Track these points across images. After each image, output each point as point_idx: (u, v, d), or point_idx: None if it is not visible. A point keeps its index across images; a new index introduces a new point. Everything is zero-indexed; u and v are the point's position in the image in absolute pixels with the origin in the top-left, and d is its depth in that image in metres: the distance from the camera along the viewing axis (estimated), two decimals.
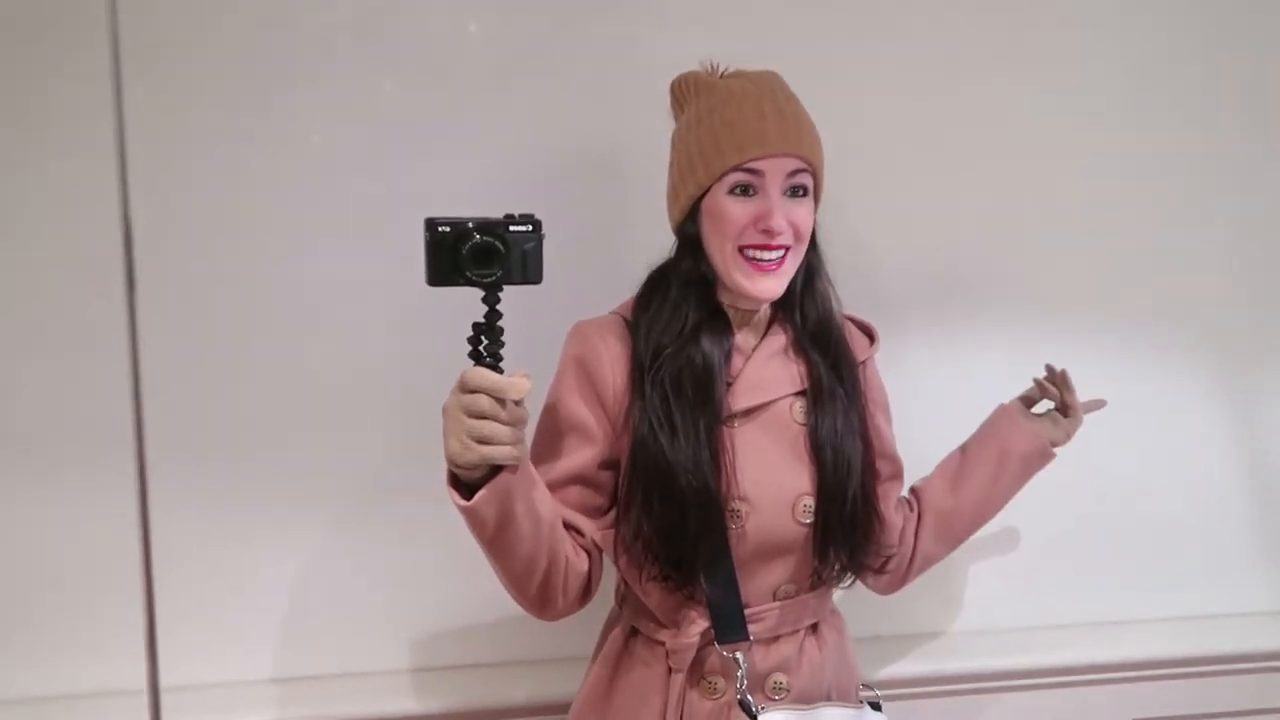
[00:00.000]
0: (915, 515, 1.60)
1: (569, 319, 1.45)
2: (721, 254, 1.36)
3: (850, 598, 1.57)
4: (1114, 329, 1.98)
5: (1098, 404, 1.69)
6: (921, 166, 1.87)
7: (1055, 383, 1.65)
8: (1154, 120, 1.95)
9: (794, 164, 1.34)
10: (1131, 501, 2.02)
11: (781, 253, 1.34)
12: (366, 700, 1.74)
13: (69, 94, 1.59)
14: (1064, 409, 1.65)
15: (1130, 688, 1.96)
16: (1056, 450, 1.64)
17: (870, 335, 1.56)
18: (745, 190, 1.34)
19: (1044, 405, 1.67)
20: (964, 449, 1.65)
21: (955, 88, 1.87)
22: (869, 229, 1.84)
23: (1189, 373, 2.03)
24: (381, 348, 1.74)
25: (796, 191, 1.35)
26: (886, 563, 1.54)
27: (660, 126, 1.47)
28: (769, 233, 1.32)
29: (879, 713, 1.48)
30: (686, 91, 1.42)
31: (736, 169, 1.32)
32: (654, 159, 1.47)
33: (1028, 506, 1.68)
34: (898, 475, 1.58)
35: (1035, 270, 1.94)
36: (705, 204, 1.36)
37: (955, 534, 1.63)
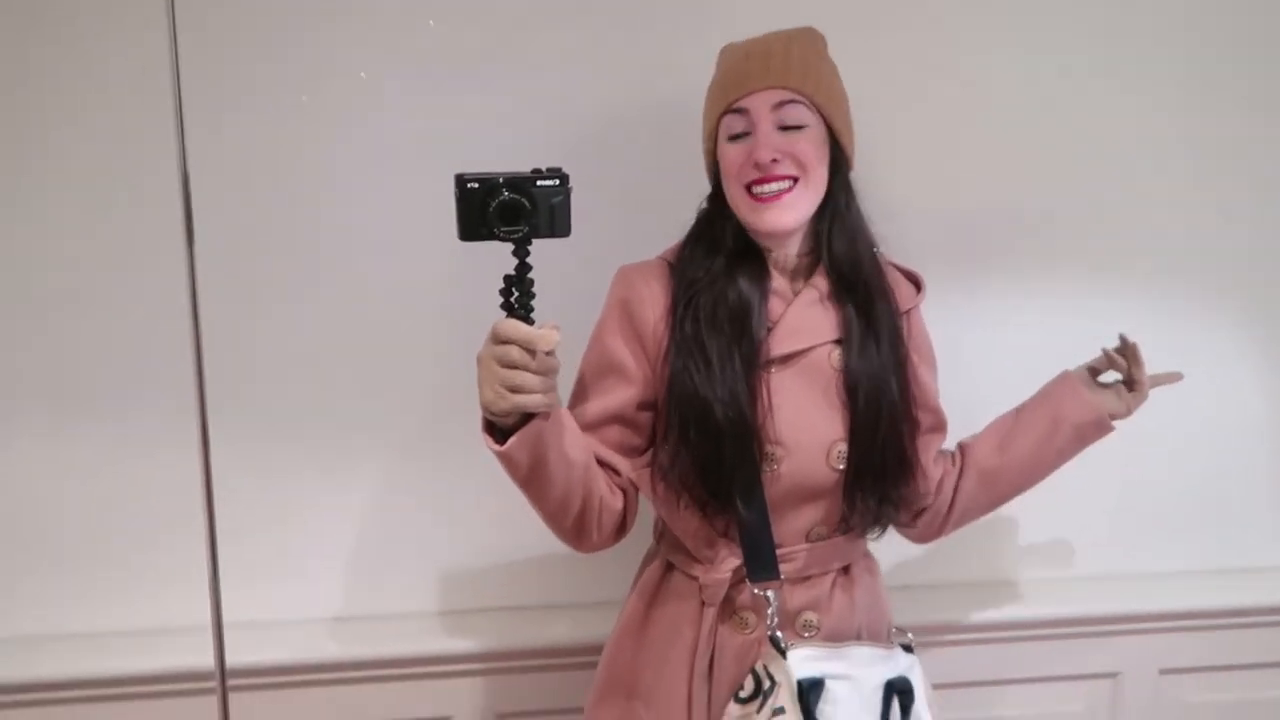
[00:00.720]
0: (958, 470, 1.59)
1: (603, 269, 1.49)
2: (731, 196, 1.40)
3: (884, 546, 1.59)
4: (1157, 280, 1.96)
5: (1172, 377, 1.61)
6: (961, 118, 1.87)
7: (1125, 355, 1.58)
8: (1199, 72, 1.93)
9: (779, 95, 1.36)
10: (1167, 455, 2.01)
11: (786, 184, 1.36)
12: (410, 640, 1.82)
13: (127, 53, 1.64)
14: (1130, 383, 1.58)
15: (1162, 638, 1.98)
16: (1116, 424, 1.59)
17: (916, 284, 1.56)
18: (742, 136, 1.38)
19: (1111, 375, 1.62)
20: (1019, 411, 1.61)
21: (997, 37, 1.86)
22: (907, 181, 1.84)
23: (1231, 324, 2.01)
24: (432, 292, 1.78)
25: (791, 126, 1.37)
26: (920, 514, 1.57)
27: (695, 79, 1.49)
28: (759, 165, 1.35)
29: (911, 654, 1.50)
30: (719, 58, 1.47)
31: (726, 113, 1.38)
32: (687, 112, 1.50)
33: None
34: (939, 428, 1.58)
35: (1077, 223, 1.93)
36: (718, 156, 1.41)
37: (997, 494, 1.61)
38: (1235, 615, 1.99)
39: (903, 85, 1.83)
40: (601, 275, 1.49)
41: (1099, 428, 1.58)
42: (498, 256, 1.18)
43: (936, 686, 1.71)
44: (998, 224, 1.91)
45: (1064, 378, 1.62)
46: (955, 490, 1.59)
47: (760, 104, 1.36)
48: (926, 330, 1.57)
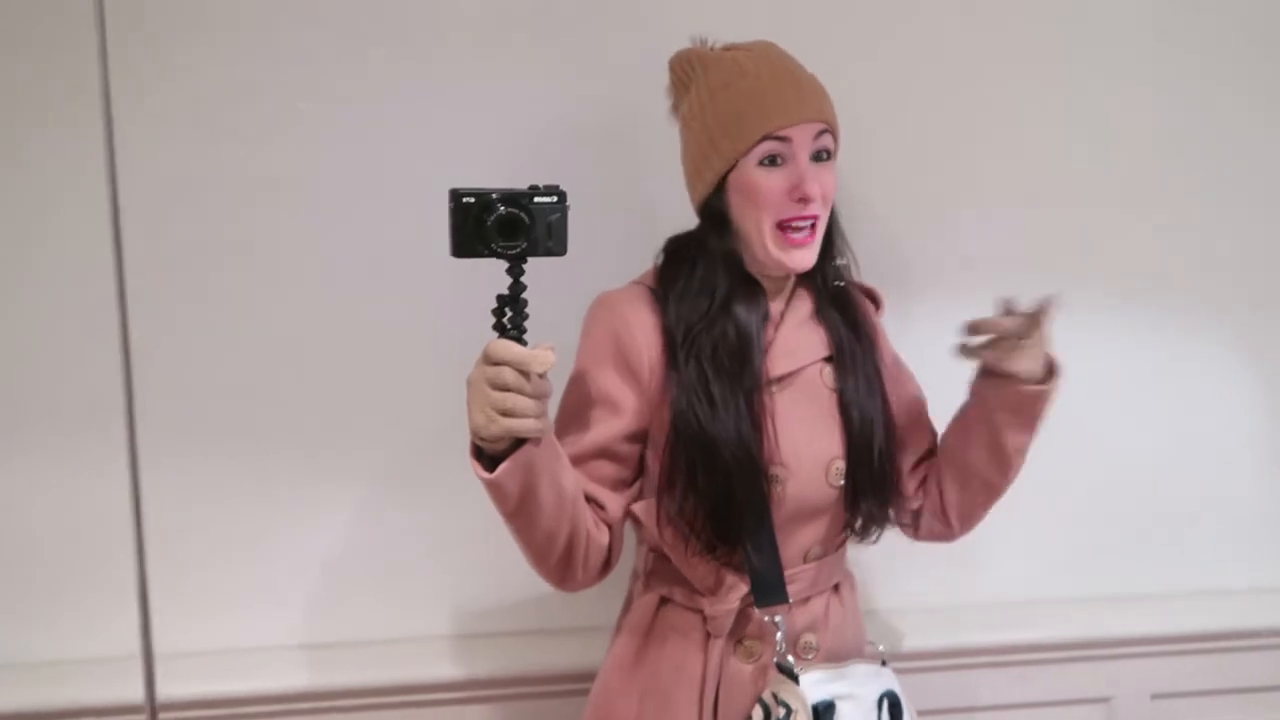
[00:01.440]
0: (936, 464, 1.57)
1: (594, 290, 1.45)
2: (758, 228, 1.35)
3: (875, 572, 1.57)
4: (1131, 301, 1.95)
5: (1045, 304, 1.37)
6: (927, 135, 1.85)
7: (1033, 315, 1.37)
8: (1174, 89, 1.92)
9: (818, 127, 1.34)
10: (1151, 475, 2.00)
11: (813, 222, 1.36)
12: (387, 666, 1.76)
13: (56, 68, 1.60)
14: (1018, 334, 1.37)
15: (1151, 663, 1.96)
16: (1041, 386, 1.41)
17: (875, 301, 1.57)
18: (774, 160, 1.33)
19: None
20: (958, 417, 1.52)
21: (962, 55, 1.85)
22: (876, 198, 1.82)
23: (1210, 346, 2.01)
24: (408, 309, 1.74)
25: (821, 155, 1.36)
26: (918, 515, 1.56)
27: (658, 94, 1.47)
28: (804, 200, 1.33)
29: (887, 668, 1.49)
30: (689, 69, 1.41)
31: (766, 139, 1.32)
32: (671, 128, 1.47)
33: (1045, 479, 1.66)
34: (921, 418, 1.56)
35: (1045, 241, 1.91)
36: (733, 179, 1.36)
37: (979, 486, 1.52)
38: (1229, 638, 1.97)
39: (891, 101, 1.82)
40: (590, 296, 1.45)
41: (1029, 402, 1.41)
42: (479, 273, 1.15)
43: (926, 713, 1.69)
44: (960, 237, 1.89)
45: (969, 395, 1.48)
46: (940, 485, 1.55)
47: (804, 134, 1.33)
48: (888, 339, 1.57)
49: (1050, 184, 1.91)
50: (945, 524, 1.57)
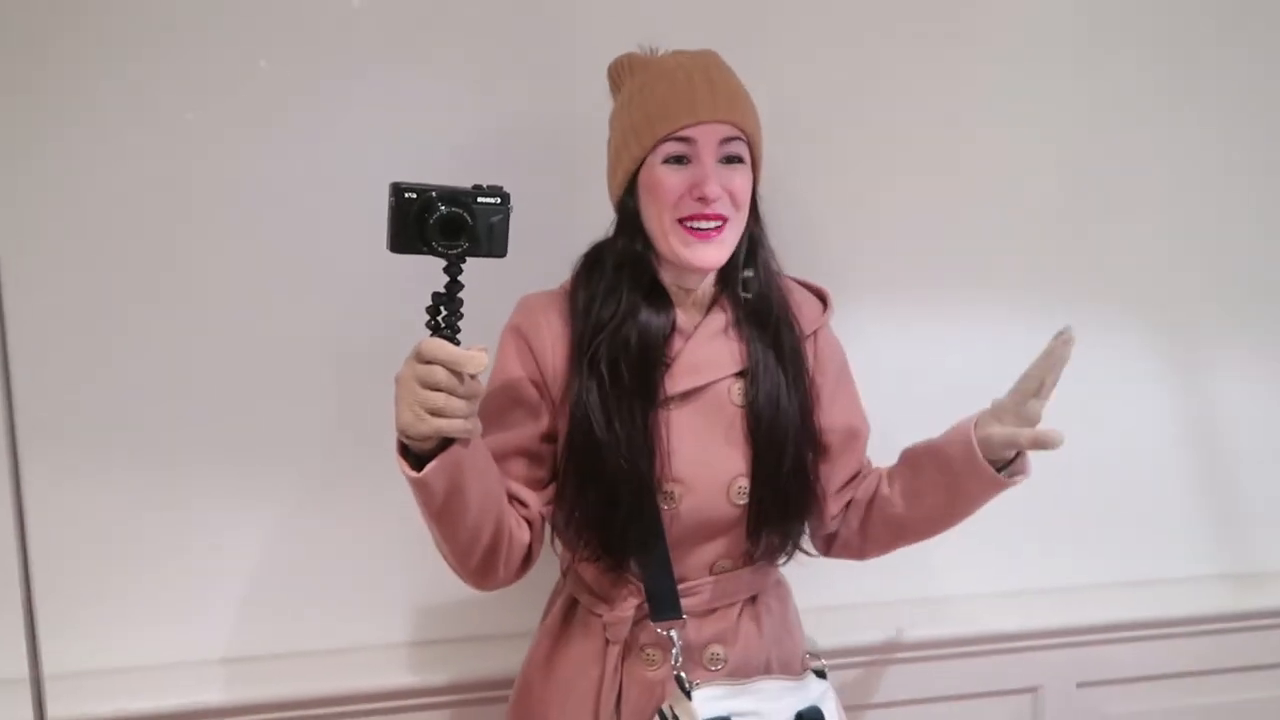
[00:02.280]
0: (864, 506, 1.51)
1: (525, 290, 1.44)
2: (660, 224, 1.34)
3: (794, 566, 1.56)
4: (1064, 303, 1.98)
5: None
6: (874, 143, 1.86)
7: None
8: (1103, 104, 1.97)
9: (726, 130, 1.33)
10: (1073, 471, 2.03)
11: (719, 222, 1.33)
12: (310, 679, 1.71)
13: None
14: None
15: (1078, 652, 2.00)
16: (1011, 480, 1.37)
17: (823, 300, 1.52)
18: (680, 160, 1.33)
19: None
20: (916, 466, 1.46)
21: (905, 64, 1.87)
22: (821, 205, 1.83)
23: (1137, 344, 2.06)
24: (315, 317, 1.70)
25: (731, 159, 1.34)
26: (832, 540, 1.54)
27: (606, 101, 1.46)
28: (704, 200, 1.31)
29: (824, 680, 1.47)
30: (622, 72, 1.41)
31: (668, 138, 1.31)
32: (603, 133, 1.45)
33: None
34: (854, 444, 1.51)
35: (988, 247, 1.95)
36: (641, 177, 1.35)
37: (911, 538, 1.52)
38: (1152, 626, 2.02)
39: (830, 107, 1.82)
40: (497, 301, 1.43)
41: (997, 485, 1.38)
42: (411, 268, 1.13)
43: (855, 708, 1.70)
44: (918, 245, 1.91)
45: (964, 440, 1.37)
46: (863, 524, 1.52)
47: (709, 135, 1.32)
48: (837, 343, 1.54)
49: (993, 191, 1.93)
50: (858, 553, 1.56)
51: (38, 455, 1.59)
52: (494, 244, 1.13)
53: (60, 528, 1.62)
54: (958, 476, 1.39)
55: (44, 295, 1.59)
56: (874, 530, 1.52)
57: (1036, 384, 1.32)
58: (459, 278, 1.13)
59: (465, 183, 1.13)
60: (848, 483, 1.53)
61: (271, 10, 1.61)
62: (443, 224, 1.09)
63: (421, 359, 1.10)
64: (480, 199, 1.11)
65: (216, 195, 1.63)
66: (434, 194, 1.09)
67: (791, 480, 1.40)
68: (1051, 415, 1.88)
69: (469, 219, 1.09)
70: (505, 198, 1.12)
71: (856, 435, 1.53)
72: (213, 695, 1.66)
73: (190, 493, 1.69)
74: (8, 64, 1.53)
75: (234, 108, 1.62)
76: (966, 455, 1.36)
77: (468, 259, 1.12)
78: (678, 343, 1.39)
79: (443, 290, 1.13)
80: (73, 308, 1.61)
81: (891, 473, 1.51)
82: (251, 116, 1.62)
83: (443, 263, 1.12)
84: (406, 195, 1.08)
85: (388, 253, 1.11)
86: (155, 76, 1.58)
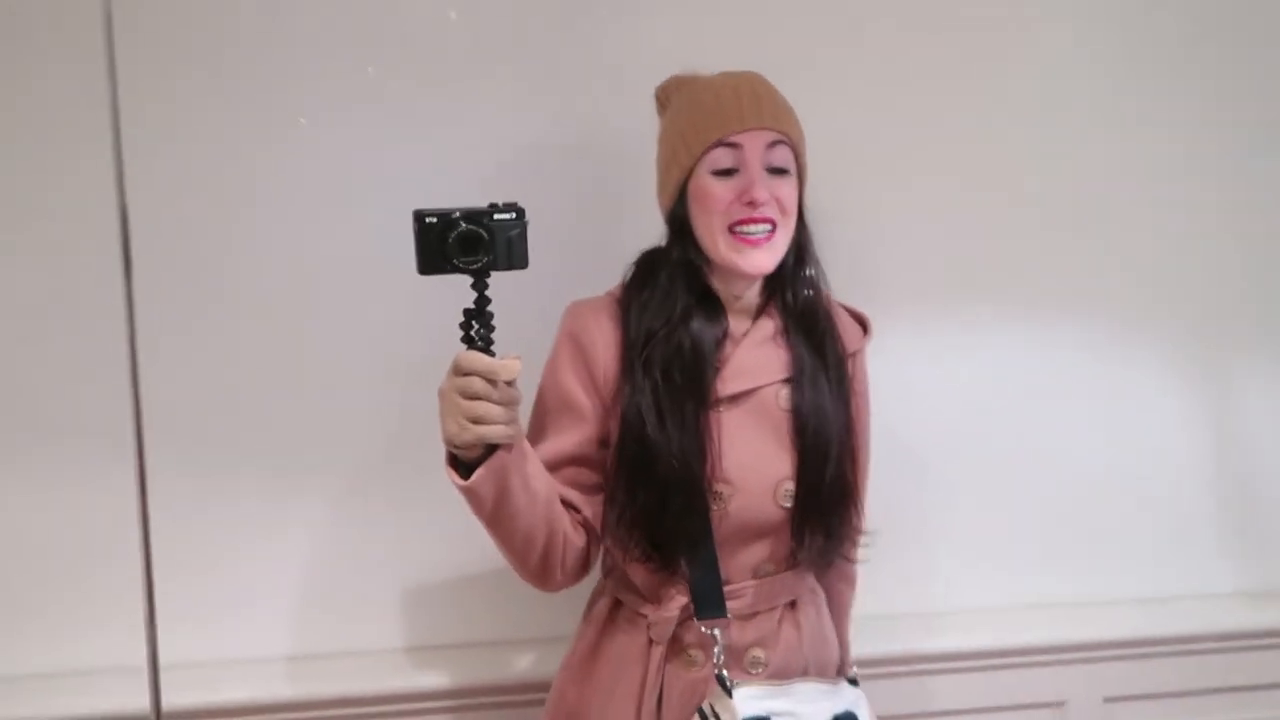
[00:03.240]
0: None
1: (560, 302, 1.49)
2: (710, 233, 1.39)
3: None
4: (1085, 317, 2.00)
5: None
6: (908, 157, 1.90)
7: None
8: (1137, 114, 1.99)
9: (771, 136, 1.38)
10: (1100, 484, 2.04)
11: (769, 227, 1.38)
12: (364, 678, 1.77)
13: (65, 80, 1.63)
14: None
15: (1106, 666, 1.99)
16: None
17: (864, 325, 1.58)
18: (728, 173, 1.38)
19: None
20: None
21: (944, 79, 1.91)
22: (855, 219, 1.86)
23: (1157, 358, 2.06)
24: (377, 327, 1.76)
25: (777, 170, 1.39)
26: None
27: (646, 112, 1.51)
28: (753, 204, 1.36)
29: (856, 688, 1.50)
30: (669, 91, 1.48)
31: (716, 145, 1.37)
32: (641, 143, 1.51)
33: (998, 490, 1.68)
34: (865, 471, 1.59)
35: (1013, 260, 1.97)
36: (691, 187, 1.40)
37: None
38: (1182, 642, 2.01)
39: (857, 124, 1.86)
40: (556, 308, 1.49)
41: None
42: (453, 287, 1.19)
43: (884, 719, 1.70)
44: (944, 261, 1.94)
45: None
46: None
47: (755, 142, 1.37)
48: (868, 373, 1.59)
49: (1000, 203, 1.96)
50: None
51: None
52: (514, 257, 1.19)
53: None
54: None
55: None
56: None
57: None
58: (486, 292, 1.19)
59: (515, 197, 1.20)
60: None
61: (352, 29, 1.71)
62: (462, 242, 1.16)
63: (459, 371, 1.18)
64: (496, 215, 1.17)
65: (272, 204, 1.72)
66: (453, 216, 1.16)
67: (835, 486, 1.44)
68: (1077, 426, 1.89)
69: (486, 235, 1.16)
70: (520, 212, 1.19)
71: (864, 468, 1.59)
72: (268, 690, 1.73)
73: (240, 493, 1.76)
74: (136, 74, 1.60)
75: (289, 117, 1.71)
76: None
77: (491, 273, 1.19)
78: (728, 347, 1.43)
79: (472, 305, 1.20)
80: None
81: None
82: (307, 129, 1.72)
83: (470, 280, 1.19)
84: (427, 220, 1.16)
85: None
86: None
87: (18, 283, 1.67)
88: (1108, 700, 2.01)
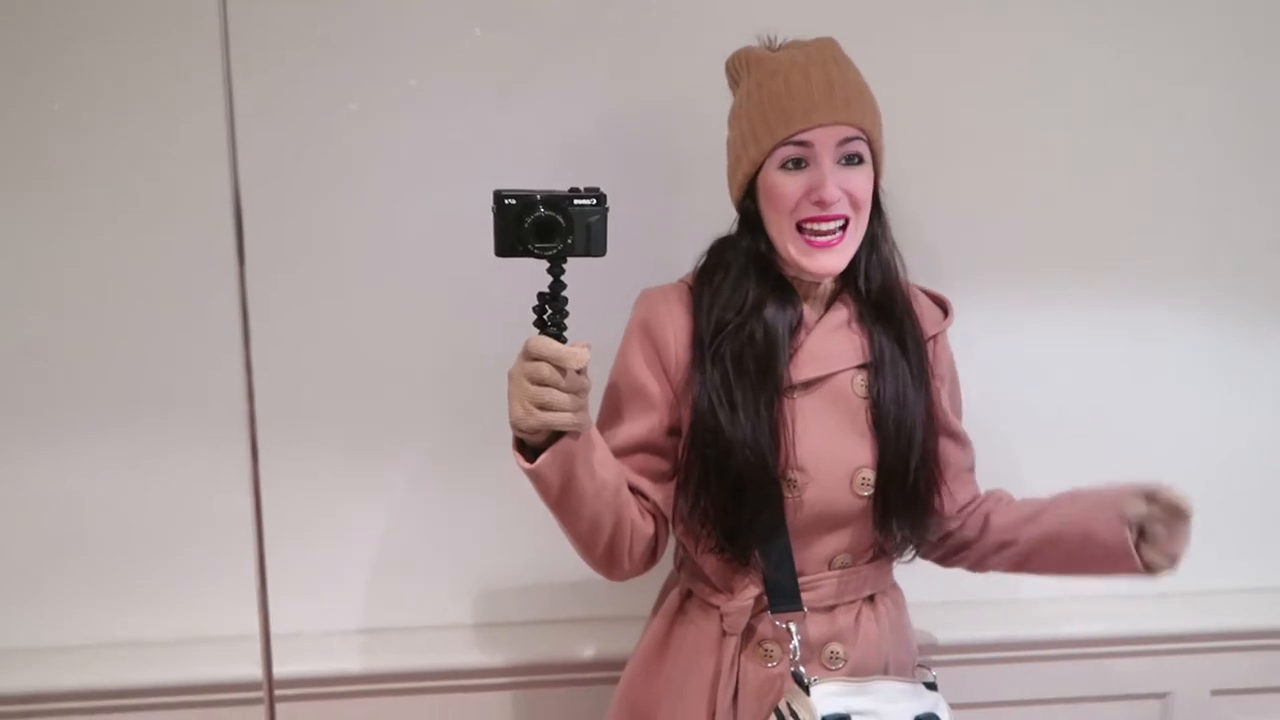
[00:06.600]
0: (979, 528, 1.52)
1: (631, 291, 1.48)
2: (779, 230, 1.36)
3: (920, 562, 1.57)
4: (1171, 298, 1.94)
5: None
6: (977, 137, 1.85)
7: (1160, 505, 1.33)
8: (1205, 95, 1.89)
9: (845, 132, 1.33)
10: (1208, 472, 1.97)
11: (840, 224, 1.34)
12: (439, 652, 1.81)
13: (178, 64, 1.66)
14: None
15: (1214, 658, 1.94)
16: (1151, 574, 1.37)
17: (944, 308, 1.54)
18: (797, 164, 1.34)
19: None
20: (1054, 538, 1.44)
21: (1016, 58, 1.84)
22: (922, 200, 1.79)
23: (1250, 340, 1.98)
24: (474, 303, 1.77)
25: (851, 159, 1.34)
26: (946, 540, 1.53)
27: (713, 95, 1.48)
28: (822, 203, 1.32)
29: (935, 692, 1.44)
30: (740, 68, 1.42)
31: (785, 143, 1.32)
32: (711, 130, 1.48)
33: (1099, 475, 1.63)
34: (963, 450, 1.54)
35: (1111, 241, 1.91)
36: (760, 180, 1.37)
37: (1030, 568, 1.51)
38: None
39: (937, 98, 1.81)
40: (626, 297, 1.48)
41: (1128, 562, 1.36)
42: (537, 271, 1.18)
43: (977, 706, 1.68)
44: (1033, 239, 1.89)
45: (1109, 504, 1.38)
46: (976, 541, 1.52)
47: (826, 138, 1.32)
48: (952, 355, 1.55)
49: (1070, 184, 1.89)
50: (975, 564, 1.55)
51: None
52: (592, 244, 1.17)
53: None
54: (1098, 561, 1.40)
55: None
56: (991, 559, 1.52)
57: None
58: (561, 278, 1.18)
59: (598, 180, 1.18)
60: (961, 487, 1.53)
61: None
62: (539, 226, 1.14)
63: (528, 356, 1.16)
64: (576, 201, 1.15)
65: (378, 177, 1.74)
66: (534, 199, 1.14)
67: (919, 474, 1.40)
68: (1187, 413, 1.82)
69: (563, 221, 1.14)
70: (601, 198, 1.16)
71: (968, 445, 1.55)
72: (343, 664, 1.78)
73: (318, 469, 1.80)
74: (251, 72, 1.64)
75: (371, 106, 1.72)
76: (1120, 551, 1.36)
77: (568, 259, 1.17)
78: (801, 334, 1.40)
79: (546, 290, 1.18)
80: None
81: (1022, 519, 1.48)
82: (377, 117, 1.73)
83: (546, 264, 1.18)
84: (507, 201, 1.14)
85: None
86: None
87: (128, 256, 1.71)
88: (1215, 693, 1.95)
